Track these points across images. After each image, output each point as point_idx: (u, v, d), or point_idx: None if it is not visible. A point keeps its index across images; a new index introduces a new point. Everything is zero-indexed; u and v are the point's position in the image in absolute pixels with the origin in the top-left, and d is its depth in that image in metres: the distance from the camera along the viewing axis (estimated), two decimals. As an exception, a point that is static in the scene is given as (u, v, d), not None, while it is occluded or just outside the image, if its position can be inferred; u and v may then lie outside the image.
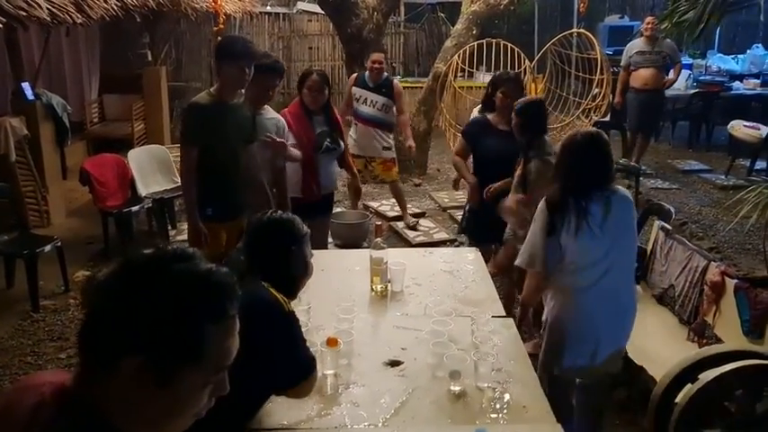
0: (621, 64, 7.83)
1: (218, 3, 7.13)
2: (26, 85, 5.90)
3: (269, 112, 3.93)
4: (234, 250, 2.43)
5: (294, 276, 2.17)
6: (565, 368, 2.83)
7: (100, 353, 1.00)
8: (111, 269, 1.03)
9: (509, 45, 8.00)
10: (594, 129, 2.90)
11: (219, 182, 3.50)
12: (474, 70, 8.63)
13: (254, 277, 2.04)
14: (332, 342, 2.35)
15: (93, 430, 1.00)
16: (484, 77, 9.00)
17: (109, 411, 1.00)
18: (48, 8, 4.41)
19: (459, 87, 8.03)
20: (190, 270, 1.03)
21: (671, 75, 7.76)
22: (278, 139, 3.75)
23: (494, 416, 2.13)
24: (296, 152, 4.03)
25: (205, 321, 1.01)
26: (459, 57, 7.87)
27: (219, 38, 8.05)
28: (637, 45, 7.66)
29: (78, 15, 4.82)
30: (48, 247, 4.73)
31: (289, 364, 2.02)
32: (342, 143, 4.40)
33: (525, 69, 7.70)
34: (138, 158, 5.95)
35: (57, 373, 1.13)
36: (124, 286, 1.00)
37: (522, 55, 7.85)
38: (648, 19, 7.60)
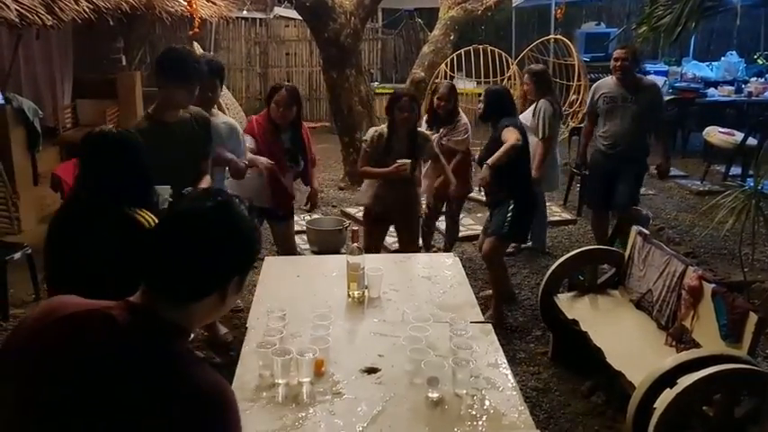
0: (585, 111, 5.71)
1: (194, 6, 7.06)
2: (-4, 89, 5.78)
3: (219, 117, 3.83)
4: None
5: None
6: None
7: (213, 279, 1.29)
8: (198, 213, 1.31)
9: (496, 51, 8.03)
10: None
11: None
12: (454, 75, 8.63)
13: None
14: (318, 364, 2.33)
15: (169, 336, 1.27)
16: (464, 83, 9.04)
17: (185, 322, 1.30)
18: (16, 9, 4.31)
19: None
20: (247, 206, 1.37)
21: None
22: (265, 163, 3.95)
23: (472, 423, 2.10)
24: (262, 159, 4.01)
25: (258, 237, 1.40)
26: (446, 65, 7.88)
27: (195, 43, 7.99)
28: (605, 86, 5.17)
29: (48, 17, 4.72)
30: (17, 255, 4.61)
31: None
32: (302, 162, 4.37)
33: (514, 74, 7.72)
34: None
35: (77, 300, 1.34)
36: (221, 227, 1.29)
37: (510, 60, 7.87)
38: (617, 53, 4.98)
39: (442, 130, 5.08)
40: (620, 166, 5.06)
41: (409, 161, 4.06)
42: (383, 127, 4.28)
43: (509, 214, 4.29)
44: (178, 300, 1.28)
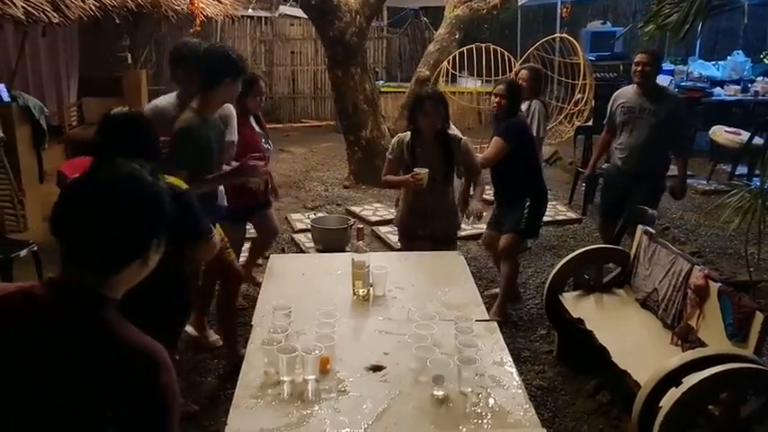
0: (604, 121, 5.09)
1: (196, 4, 7.06)
2: (2, 87, 5.79)
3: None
4: None
5: None
6: None
7: (133, 247, 1.34)
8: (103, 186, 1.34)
9: (498, 49, 8.01)
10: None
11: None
12: (457, 74, 8.62)
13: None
14: (324, 362, 2.33)
15: (90, 305, 1.30)
16: (467, 82, 9.04)
17: (109, 290, 1.33)
18: (23, 6, 4.33)
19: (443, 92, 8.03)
20: (149, 172, 1.40)
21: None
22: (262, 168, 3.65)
23: (477, 421, 2.10)
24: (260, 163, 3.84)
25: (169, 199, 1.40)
26: (449, 62, 7.87)
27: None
28: (624, 95, 4.81)
29: (55, 14, 4.73)
30: (23, 252, 4.62)
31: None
32: (270, 144, 4.57)
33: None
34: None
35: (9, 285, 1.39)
36: (138, 201, 1.34)
37: (513, 59, 7.86)
38: (639, 57, 4.65)
39: None
40: (633, 183, 4.62)
41: (426, 171, 3.67)
42: (407, 134, 3.90)
43: (526, 211, 4.32)
44: (100, 272, 1.32)
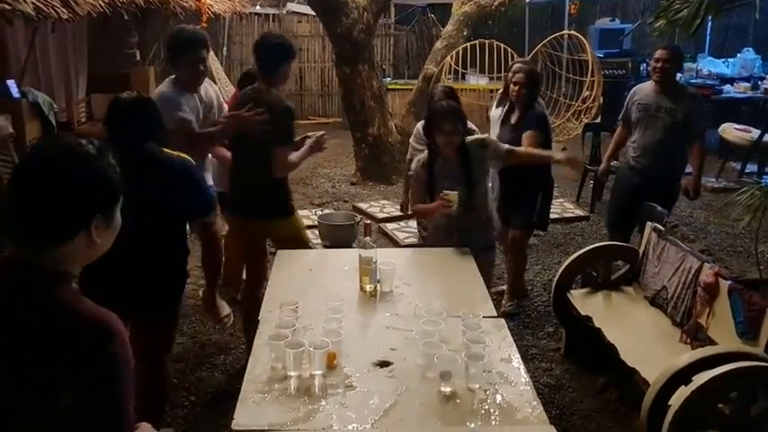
0: (620, 117, 4.91)
1: (203, 1, 7.07)
2: (12, 83, 5.81)
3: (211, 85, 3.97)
4: None
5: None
6: None
7: (73, 220, 1.34)
8: (41, 161, 1.36)
9: (502, 46, 7.98)
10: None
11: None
12: (466, 72, 8.59)
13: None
14: (331, 357, 2.33)
15: (55, 278, 1.34)
16: (477, 80, 9.01)
17: (58, 264, 1.35)
18: (32, 2, 4.33)
19: (450, 89, 8.01)
20: (102, 146, 1.42)
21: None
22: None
23: (485, 417, 2.09)
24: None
25: (116, 170, 1.42)
26: (451, 58, 7.84)
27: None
28: (641, 91, 4.63)
29: (64, 11, 4.74)
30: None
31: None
32: None
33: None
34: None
35: None
36: (80, 169, 1.35)
37: (516, 56, 7.83)
38: (658, 53, 4.47)
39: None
40: (645, 184, 4.43)
41: (455, 193, 3.33)
42: (425, 154, 3.61)
43: (538, 204, 4.31)
44: (42, 244, 1.34)
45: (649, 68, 4.52)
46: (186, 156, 2.83)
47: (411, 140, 4.46)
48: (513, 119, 4.34)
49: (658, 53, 4.44)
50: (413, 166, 3.71)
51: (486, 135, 3.83)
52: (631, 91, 4.75)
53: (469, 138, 3.62)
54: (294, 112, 3.68)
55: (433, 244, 3.69)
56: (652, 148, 4.46)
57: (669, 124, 4.38)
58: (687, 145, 4.49)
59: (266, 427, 2.03)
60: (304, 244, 3.77)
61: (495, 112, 4.62)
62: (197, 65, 3.57)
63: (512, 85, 4.29)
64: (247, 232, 3.74)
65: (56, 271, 1.35)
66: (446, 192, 3.34)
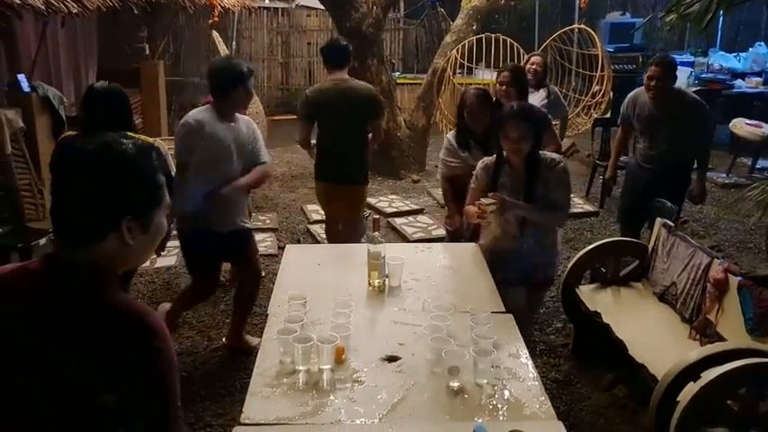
0: (618, 121, 4.91)
1: (214, -5, 7.08)
2: (22, 77, 5.83)
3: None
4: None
5: None
6: None
7: (102, 220, 1.32)
8: (80, 160, 1.34)
9: (508, 40, 7.95)
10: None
11: None
12: (474, 66, 8.56)
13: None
14: (339, 352, 2.33)
15: (97, 275, 1.33)
16: (483, 74, 8.97)
17: (99, 263, 1.34)
18: (43, -3, 4.37)
19: (459, 84, 7.98)
20: (144, 149, 1.37)
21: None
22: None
23: (493, 412, 2.09)
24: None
25: (157, 176, 1.39)
26: (458, 52, 7.82)
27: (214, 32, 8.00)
28: (639, 103, 4.57)
29: (74, 5, 4.77)
30: (43, 240, 4.68)
31: None
32: None
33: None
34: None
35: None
36: (113, 170, 1.32)
37: (522, 51, 7.80)
38: (650, 70, 4.38)
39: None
40: (656, 180, 4.45)
41: (493, 202, 3.05)
42: (493, 157, 3.31)
43: None
44: (73, 244, 1.34)
45: (644, 84, 4.43)
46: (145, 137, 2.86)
47: (441, 154, 4.15)
48: None
49: (651, 70, 4.36)
50: (478, 165, 3.39)
51: (563, 160, 3.32)
52: (629, 97, 4.68)
53: (548, 153, 3.30)
54: (377, 96, 4.58)
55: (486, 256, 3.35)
56: (659, 154, 4.48)
57: (673, 133, 4.38)
58: (693, 148, 4.48)
59: (275, 421, 2.04)
60: (359, 212, 4.68)
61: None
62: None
63: (497, 85, 4.35)
64: (335, 196, 4.45)
65: (94, 268, 1.33)
66: (484, 199, 3.09)
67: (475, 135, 3.93)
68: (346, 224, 4.60)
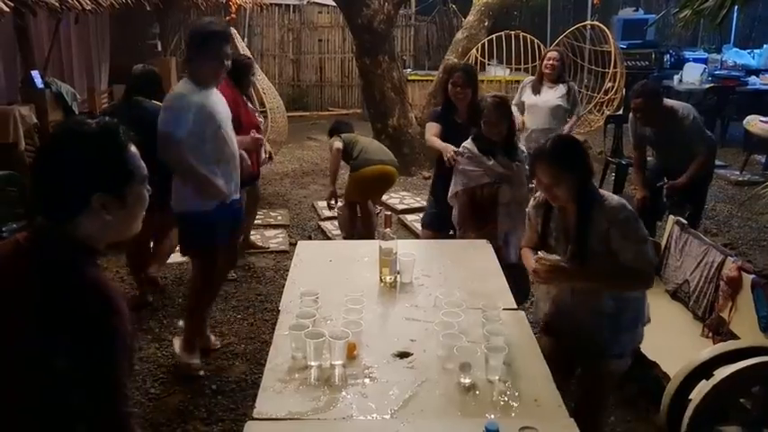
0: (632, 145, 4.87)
1: (229, -8, 7.10)
2: (36, 74, 5.87)
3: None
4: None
5: None
6: None
7: (72, 198, 1.40)
8: (57, 141, 1.45)
9: (528, 37, 7.92)
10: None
11: None
12: (486, 62, 8.54)
13: None
14: (351, 348, 2.33)
15: (73, 249, 1.41)
16: (496, 71, 8.95)
17: (78, 238, 1.42)
18: (56, -6, 4.40)
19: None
20: (107, 129, 1.44)
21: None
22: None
23: (504, 409, 2.09)
24: (247, 139, 4.24)
25: (125, 153, 1.46)
26: (477, 50, 7.80)
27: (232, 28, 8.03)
28: (635, 129, 4.73)
29: (87, 2, 4.80)
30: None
31: None
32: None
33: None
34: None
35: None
36: (76, 150, 1.40)
37: (542, 46, 7.77)
38: (633, 102, 4.43)
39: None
40: (671, 179, 4.55)
41: (555, 258, 2.53)
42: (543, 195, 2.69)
43: None
44: (49, 217, 1.43)
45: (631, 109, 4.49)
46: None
47: (460, 166, 3.71)
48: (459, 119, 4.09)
49: (634, 103, 4.39)
50: (530, 203, 2.85)
51: (626, 206, 2.53)
52: (629, 121, 4.77)
53: (608, 195, 2.57)
54: None
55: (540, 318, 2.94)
56: (670, 169, 4.61)
57: (677, 148, 4.47)
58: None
59: (287, 416, 2.04)
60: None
61: (531, 97, 5.16)
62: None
63: (450, 86, 4.04)
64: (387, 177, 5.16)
65: (73, 242, 1.42)
66: (543, 253, 2.57)
67: (495, 142, 3.61)
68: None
